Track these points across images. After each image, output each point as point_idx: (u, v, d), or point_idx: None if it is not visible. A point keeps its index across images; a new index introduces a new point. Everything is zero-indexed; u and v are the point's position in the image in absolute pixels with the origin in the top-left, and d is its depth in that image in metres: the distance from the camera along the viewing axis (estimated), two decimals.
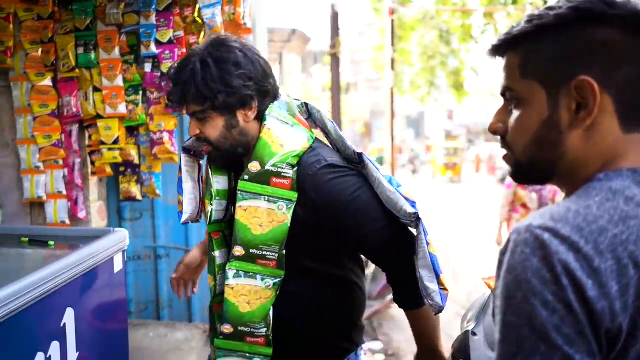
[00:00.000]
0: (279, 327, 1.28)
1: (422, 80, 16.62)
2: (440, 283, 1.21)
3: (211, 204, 1.31)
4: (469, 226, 9.54)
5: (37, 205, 2.77)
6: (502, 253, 0.64)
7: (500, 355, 0.61)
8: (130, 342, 2.97)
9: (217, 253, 1.33)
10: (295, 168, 1.24)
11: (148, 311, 3.37)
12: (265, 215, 1.22)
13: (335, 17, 7.81)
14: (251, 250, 1.24)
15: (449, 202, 13.01)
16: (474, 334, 0.89)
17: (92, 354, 1.45)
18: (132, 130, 2.66)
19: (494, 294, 0.67)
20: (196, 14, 2.42)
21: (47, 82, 2.57)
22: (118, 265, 1.62)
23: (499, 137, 0.77)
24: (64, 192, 2.65)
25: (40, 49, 2.55)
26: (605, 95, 0.66)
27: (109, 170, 2.70)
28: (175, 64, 1.30)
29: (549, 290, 0.58)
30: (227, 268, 1.26)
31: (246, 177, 1.24)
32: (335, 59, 7.38)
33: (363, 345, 1.44)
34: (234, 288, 1.24)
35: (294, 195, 1.23)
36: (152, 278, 3.38)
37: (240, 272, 1.25)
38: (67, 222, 2.67)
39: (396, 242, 1.27)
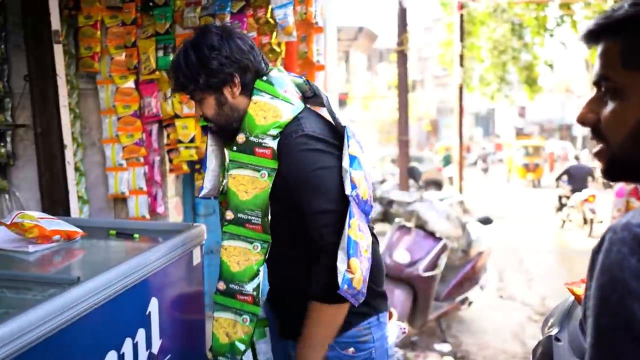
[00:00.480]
0: (282, 290, 1.41)
1: (492, 76, 16.07)
2: (348, 266, 1.23)
3: (224, 176, 1.43)
4: (544, 230, 9.11)
5: (121, 201, 2.94)
6: (595, 252, 0.60)
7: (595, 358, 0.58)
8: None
9: None
10: (278, 138, 1.32)
11: None
12: (249, 182, 1.33)
13: (402, 13, 7.70)
14: (239, 215, 1.34)
15: (525, 204, 12.44)
16: (558, 339, 0.85)
17: (174, 342, 1.52)
18: (207, 129, 2.76)
19: (586, 295, 0.63)
20: (269, 15, 2.47)
21: (130, 84, 2.72)
22: (197, 259, 1.69)
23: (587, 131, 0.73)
24: (145, 188, 2.80)
25: (124, 53, 2.70)
26: None
27: (185, 167, 2.82)
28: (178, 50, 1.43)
29: None
30: (222, 230, 1.38)
31: (234, 148, 1.35)
32: (402, 56, 7.29)
33: (385, 316, 1.50)
34: (227, 249, 1.38)
35: (275, 164, 1.31)
36: None
37: (233, 235, 1.36)
38: (147, 216, 2.82)
39: (337, 230, 1.27)
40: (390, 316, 2.72)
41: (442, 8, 15.84)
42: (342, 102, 13.79)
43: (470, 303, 4.14)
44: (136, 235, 1.71)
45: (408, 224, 3.72)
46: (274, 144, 1.31)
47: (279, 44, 2.54)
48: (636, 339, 0.54)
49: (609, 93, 0.68)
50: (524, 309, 4.78)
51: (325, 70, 2.39)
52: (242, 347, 1.37)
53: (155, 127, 2.80)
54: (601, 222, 7.65)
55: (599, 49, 0.68)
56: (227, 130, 1.40)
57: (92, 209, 2.95)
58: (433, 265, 3.51)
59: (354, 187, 1.29)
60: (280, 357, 1.50)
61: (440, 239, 3.62)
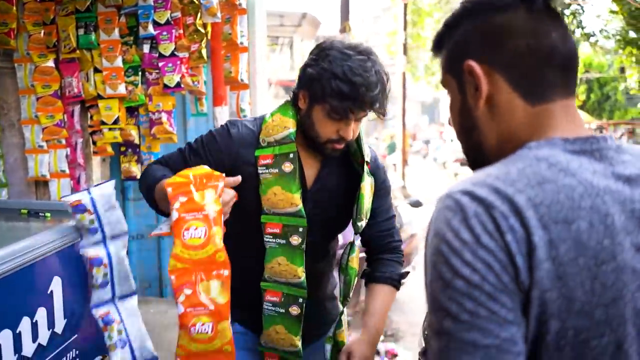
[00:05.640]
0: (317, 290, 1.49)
1: (437, 66, 16.45)
2: None
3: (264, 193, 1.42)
4: None
5: (42, 184, 2.85)
6: (430, 220, 0.66)
7: (433, 322, 0.62)
8: None
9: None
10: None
11: (151, 289, 3.46)
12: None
13: (345, 1, 7.73)
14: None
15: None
16: None
17: (81, 323, 1.51)
18: (132, 111, 2.71)
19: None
20: None
21: (50, 63, 2.62)
22: None
23: None
24: (67, 171, 2.72)
25: (43, 31, 2.59)
26: (495, 73, 0.69)
27: (110, 149, 2.76)
28: (374, 69, 1.28)
29: (468, 249, 0.60)
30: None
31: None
32: None
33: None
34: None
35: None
36: (155, 257, 3.45)
37: None
38: None
39: None
40: None
41: None
42: (288, 89, 13.73)
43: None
44: (48, 215, 1.67)
45: None
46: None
47: (204, 25, 2.52)
48: (460, 293, 0.59)
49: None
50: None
51: (249, 52, 2.40)
52: None
53: (77, 108, 2.71)
54: None
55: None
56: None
57: (11, 192, 2.84)
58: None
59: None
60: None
61: None
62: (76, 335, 1.47)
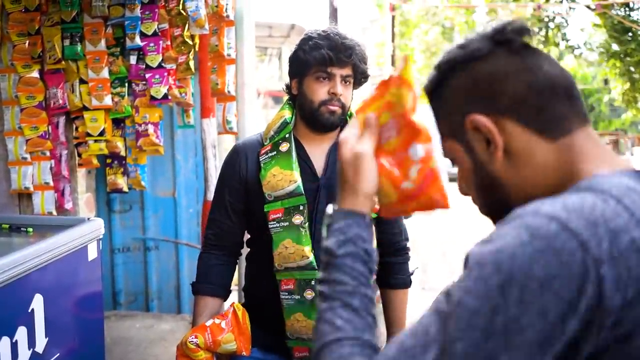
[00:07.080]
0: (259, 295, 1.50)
1: (425, 77, 16.60)
2: None
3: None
4: (468, 222, 9.52)
5: (25, 197, 2.80)
6: (498, 230, 0.55)
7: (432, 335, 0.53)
8: (115, 332, 3.02)
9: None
10: None
11: (137, 302, 3.40)
12: None
13: (334, 12, 7.77)
14: None
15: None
16: None
17: (64, 341, 1.47)
18: (118, 123, 2.67)
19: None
20: (180, 7, 2.43)
21: (34, 74, 2.58)
22: (92, 254, 1.63)
23: None
24: (51, 184, 2.67)
25: (27, 41, 2.56)
26: (503, 119, 0.63)
27: (95, 161, 2.72)
28: (345, 32, 1.41)
29: (534, 287, 0.50)
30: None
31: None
32: None
33: None
34: None
35: None
36: (142, 270, 3.40)
37: None
38: (54, 213, 2.69)
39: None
40: None
41: (378, 9, 16.19)
42: (277, 99, 13.77)
43: None
44: (30, 230, 1.64)
45: None
46: None
47: (192, 37, 2.50)
48: (500, 328, 0.50)
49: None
50: None
51: (237, 64, 2.38)
52: None
53: (62, 120, 2.68)
54: None
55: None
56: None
57: None
58: None
59: None
60: None
61: None
62: (58, 354, 1.43)
